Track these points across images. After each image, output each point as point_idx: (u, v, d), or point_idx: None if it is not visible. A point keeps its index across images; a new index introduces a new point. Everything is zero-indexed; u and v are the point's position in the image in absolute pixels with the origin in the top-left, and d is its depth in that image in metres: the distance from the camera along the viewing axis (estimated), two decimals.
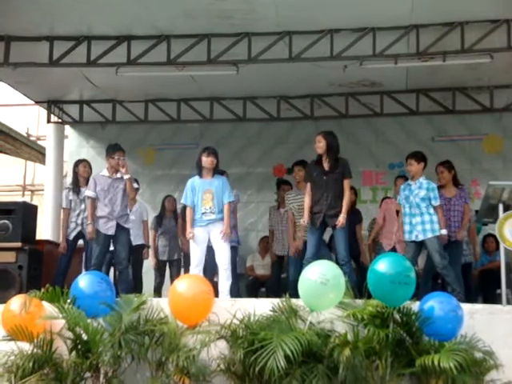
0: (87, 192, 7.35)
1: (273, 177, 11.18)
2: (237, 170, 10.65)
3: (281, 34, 8.38)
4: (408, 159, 7.12)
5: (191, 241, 6.82)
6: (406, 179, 7.72)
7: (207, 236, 6.78)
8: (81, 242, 8.11)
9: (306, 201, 6.99)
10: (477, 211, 8.06)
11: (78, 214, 7.94)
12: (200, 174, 6.88)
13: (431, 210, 6.89)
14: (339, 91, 10.36)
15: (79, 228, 7.92)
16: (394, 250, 7.92)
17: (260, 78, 9.57)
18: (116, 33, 8.52)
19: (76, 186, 8.04)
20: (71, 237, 7.94)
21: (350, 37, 8.34)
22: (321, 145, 6.90)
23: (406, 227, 6.95)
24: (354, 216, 8.59)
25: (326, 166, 6.92)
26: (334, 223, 6.78)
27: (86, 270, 7.28)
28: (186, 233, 6.99)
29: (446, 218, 7.21)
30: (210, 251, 6.96)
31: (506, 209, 6.06)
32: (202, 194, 6.77)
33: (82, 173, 8.07)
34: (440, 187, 7.35)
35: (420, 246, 6.93)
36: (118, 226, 7.23)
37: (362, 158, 10.85)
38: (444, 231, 6.96)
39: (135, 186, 7.52)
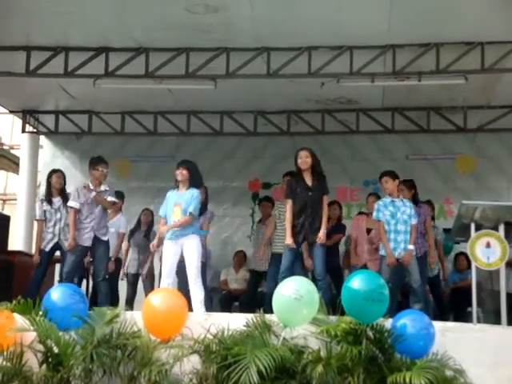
0: (70, 202, 7.34)
1: (248, 191, 11.22)
2: (213, 183, 10.58)
3: (259, 49, 8.43)
4: (384, 177, 7.15)
5: (164, 251, 6.79)
6: (379, 197, 7.77)
7: (179, 249, 6.74)
8: (57, 253, 7.99)
9: (288, 218, 6.93)
10: (448, 229, 8.22)
11: (54, 225, 7.86)
12: (177, 187, 6.88)
13: (411, 229, 6.98)
14: (316, 108, 10.44)
15: (56, 239, 7.83)
16: (365, 267, 7.93)
17: (237, 93, 9.61)
18: (94, 44, 8.51)
19: (49, 197, 7.97)
20: (48, 248, 7.82)
21: (327, 54, 8.42)
22: (308, 160, 6.89)
23: (391, 244, 6.91)
24: (338, 228, 8.76)
25: (309, 181, 6.94)
26: (314, 240, 6.82)
27: (61, 280, 7.20)
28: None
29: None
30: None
31: (477, 228, 6.13)
32: (173, 207, 6.78)
33: (54, 183, 7.99)
34: None
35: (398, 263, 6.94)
36: (96, 238, 7.22)
37: (337, 175, 10.88)
38: (411, 246, 6.96)
39: (112, 199, 7.44)
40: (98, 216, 7.27)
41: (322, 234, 6.78)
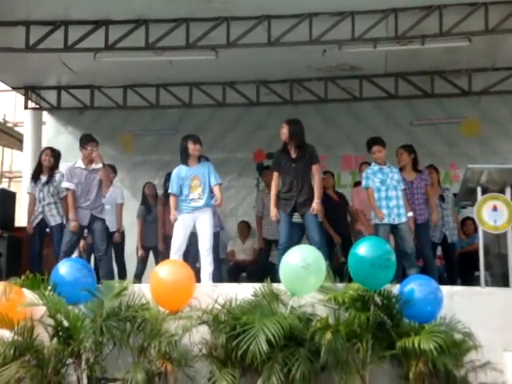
0: (65, 184, 7.31)
1: (253, 162, 11.19)
2: (217, 155, 10.56)
3: (260, 18, 8.35)
4: (376, 146, 7.13)
5: (175, 226, 6.79)
6: (370, 165, 7.74)
7: (193, 223, 6.76)
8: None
9: (272, 190, 6.99)
10: (454, 194, 8.19)
11: (39, 202, 7.78)
12: (186, 162, 6.86)
13: (402, 194, 7.04)
14: (318, 75, 10.36)
15: (41, 216, 7.77)
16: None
17: (239, 63, 9.52)
18: (94, 17, 8.44)
19: (37, 174, 7.92)
20: (34, 224, 7.79)
21: (328, 21, 8.33)
22: (284, 131, 6.94)
23: (384, 210, 6.97)
24: (343, 198, 8.76)
25: (292, 153, 6.95)
26: (306, 210, 6.82)
27: (56, 256, 7.22)
28: (164, 221, 6.97)
29: (410, 202, 7.32)
30: (193, 237, 6.97)
31: (484, 192, 6.11)
32: (190, 181, 6.76)
33: (42, 161, 7.92)
34: (400, 170, 7.41)
35: (390, 229, 7.00)
36: (92, 216, 7.22)
37: (342, 143, 10.90)
38: (411, 213, 7.11)
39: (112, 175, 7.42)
40: (93, 195, 7.24)
41: (315, 204, 6.78)
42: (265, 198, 9.03)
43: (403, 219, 6.96)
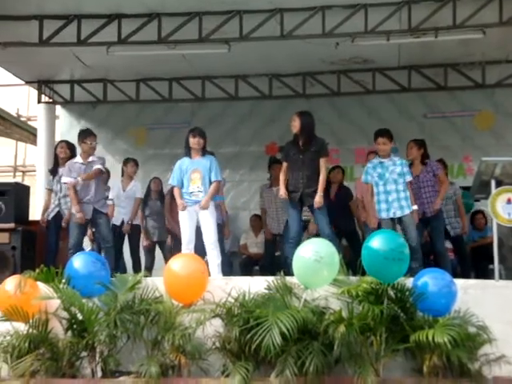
0: (64, 179, 7.38)
1: (265, 155, 11.15)
2: (229, 148, 10.65)
3: (272, 11, 8.33)
4: (382, 137, 6.95)
5: (180, 220, 6.84)
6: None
7: (195, 215, 6.80)
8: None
9: (281, 178, 7.01)
10: (468, 187, 8.13)
11: (56, 194, 7.91)
12: (189, 155, 6.91)
13: (405, 187, 6.87)
14: (331, 69, 10.32)
15: (57, 209, 7.89)
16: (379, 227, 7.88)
17: (252, 56, 9.51)
18: (106, 11, 8.45)
19: (54, 167, 8.04)
20: (50, 217, 7.92)
21: (341, 13, 8.30)
22: (295, 124, 6.94)
23: (383, 205, 6.85)
24: (345, 192, 8.69)
25: (301, 144, 6.96)
26: (311, 202, 6.83)
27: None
28: (173, 213, 7.00)
29: (418, 196, 7.25)
30: (199, 231, 6.98)
31: (498, 185, 6.07)
32: (190, 174, 6.81)
33: (58, 153, 8.03)
34: (410, 164, 7.32)
35: (394, 223, 6.91)
36: (95, 210, 7.27)
37: (355, 136, 10.84)
38: (415, 207, 6.95)
39: (97, 166, 7.31)
40: (93, 189, 7.28)
41: (318, 197, 6.76)
42: (264, 192, 9.01)
43: (406, 211, 6.81)
